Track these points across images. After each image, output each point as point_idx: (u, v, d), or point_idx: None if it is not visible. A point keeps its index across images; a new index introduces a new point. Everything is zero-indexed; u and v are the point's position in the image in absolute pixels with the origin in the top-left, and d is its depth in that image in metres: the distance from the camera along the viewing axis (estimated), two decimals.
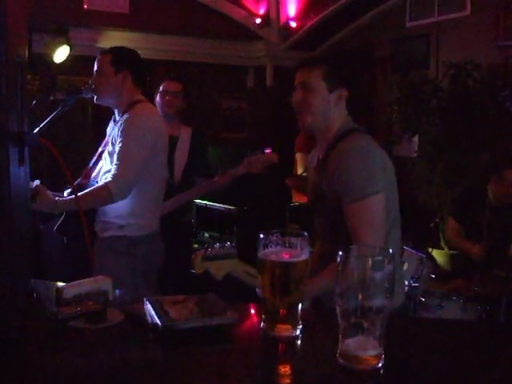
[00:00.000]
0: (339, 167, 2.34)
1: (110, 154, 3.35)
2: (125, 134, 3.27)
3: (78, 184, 3.45)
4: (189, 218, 5.14)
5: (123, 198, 3.26)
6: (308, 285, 2.28)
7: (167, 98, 4.46)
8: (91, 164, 3.56)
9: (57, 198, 3.21)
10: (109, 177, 3.23)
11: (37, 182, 3.15)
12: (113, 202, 3.24)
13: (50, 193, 3.22)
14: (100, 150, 3.54)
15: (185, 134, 4.59)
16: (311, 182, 2.65)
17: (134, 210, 3.37)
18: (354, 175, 2.31)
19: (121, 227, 3.37)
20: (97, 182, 3.41)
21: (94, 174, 3.50)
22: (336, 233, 2.44)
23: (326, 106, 2.45)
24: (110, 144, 3.38)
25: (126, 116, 3.33)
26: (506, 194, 4.58)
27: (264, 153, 4.13)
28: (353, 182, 2.31)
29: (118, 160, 3.24)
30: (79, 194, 3.19)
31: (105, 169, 3.41)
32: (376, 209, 2.31)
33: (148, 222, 3.45)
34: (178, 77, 4.67)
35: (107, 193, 3.20)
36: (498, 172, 4.59)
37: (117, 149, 3.26)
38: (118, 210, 3.34)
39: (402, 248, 4.09)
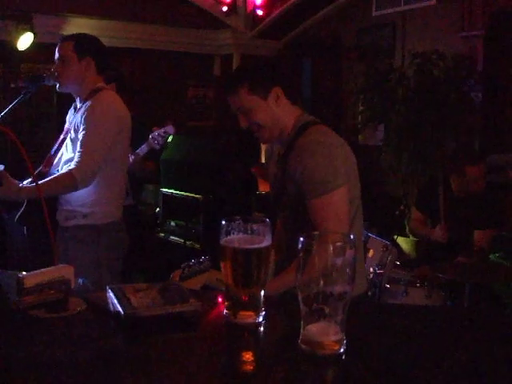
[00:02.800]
0: (300, 163, 2.34)
1: (73, 142, 3.33)
2: (88, 121, 3.24)
3: (40, 172, 3.42)
4: (150, 207, 5.18)
5: (87, 185, 3.23)
6: (274, 282, 2.31)
7: None
8: (52, 152, 3.52)
9: (21, 185, 3.17)
10: (72, 164, 3.20)
11: (1, 167, 3.10)
12: (76, 189, 3.22)
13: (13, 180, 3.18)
14: (61, 137, 3.51)
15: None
16: (272, 176, 2.66)
17: (99, 198, 3.35)
18: (316, 171, 2.31)
19: (85, 216, 3.35)
20: (57, 171, 3.38)
21: (55, 161, 3.47)
22: (298, 224, 2.44)
23: (271, 114, 2.44)
24: (71, 131, 3.35)
25: (88, 103, 3.30)
26: (466, 187, 4.64)
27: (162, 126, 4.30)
28: (315, 177, 2.31)
29: (81, 147, 3.21)
30: (43, 180, 3.16)
31: (66, 157, 3.38)
32: (340, 202, 2.32)
33: (112, 211, 3.44)
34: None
35: (71, 180, 3.18)
36: (458, 168, 4.63)
37: (80, 136, 3.24)
38: (82, 198, 3.31)
39: (367, 235, 4.13)
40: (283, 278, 2.31)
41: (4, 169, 3.11)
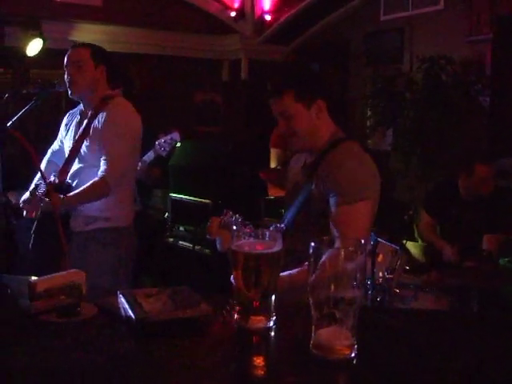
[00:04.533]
0: (333, 171, 2.35)
1: (90, 150, 3.36)
2: (111, 129, 3.32)
3: (55, 183, 3.45)
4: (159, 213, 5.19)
5: (114, 190, 3.31)
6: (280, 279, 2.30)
7: None
8: (66, 161, 3.54)
9: (62, 197, 3.24)
10: (101, 171, 3.27)
11: (53, 178, 3.19)
12: (108, 194, 3.30)
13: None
14: (73, 145, 3.50)
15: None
16: (293, 182, 2.66)
17: (117, 202, 3.42)
18: (349, 179, 2.32)
19: (107, 219, 3.41)
20: (74, 180, 3.42)
21: (70, 171, 3.50)
22: (311, 231, 2.43)
23: (311, 124, 2.44)
24: (88, 141, 3.38)
25: (107, 112, 3.35)
26: (476, 188, 4.63)
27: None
28: (347, 185, 2.31)
29: (107, 155, 3.30)
30: (78, 190, 3.29)
31: (80, 165, 3.42)
32: (364, 214, 2.33)
33: (129, 214, 3.53)
34: None
35: (105, 187, 3.29)
36: (468, 167, 4.62)
37: (104, 144, 3.29)
38: (101, 203, 3.37)
39: (377, 240, 4.12)
40: (291, 277, 2.29)
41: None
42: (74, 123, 3.58)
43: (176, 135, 4.39)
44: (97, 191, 3.31)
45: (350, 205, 2.30)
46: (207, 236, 2.58)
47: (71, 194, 3.28)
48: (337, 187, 2.33)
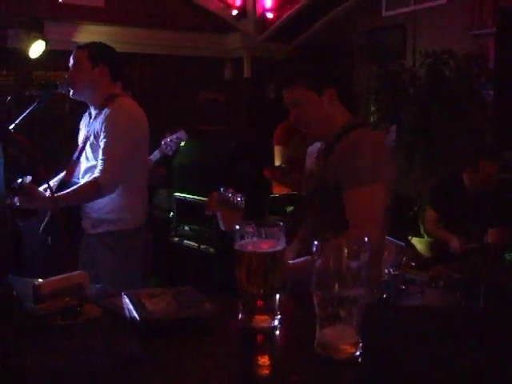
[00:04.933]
0: (345, 155, 2.31)
1: (93, 150, 3.38)
2: (109, 128, 3.30)
3: (62, 181, 3.47)
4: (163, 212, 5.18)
5: (111, 192, 3.30)
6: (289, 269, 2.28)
7: None
8: (73, 160, 3.55)
9: (47, 195, 3.23)
10: (96, 172, 3.25)
11: (28, 179, 3.15)
12: (102, 196, 3.30)
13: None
14: (80, 145, 3.54)
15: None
16: (309, 172, 2.66)
17: (125, 204, 3.42)
18: (362, 161, 2.26)
19: (113, 222, 3.40)
20: (78, 179, 3.44)
21: (76, 170, 3.52)
22: (328, 221, 2.41)
23: (324, 112, 2.42)
24: (91, 139, 3.39)
25: (107, 111, 3.35)
26: (481, 182, 4.62)
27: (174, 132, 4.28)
28: (359, 167, 2.26)
29: (103, 155, 3.28)
30: (69, 189, 3.24)
31: (86, 165, 3.44)
32: (377, 196, 2.27)
33: (138, 216, 3.50)
34: None
35: (97, 187, 3.26)
36: (472, 163, 4.62)
37: (101, 144, 3.29)
38: (108, 206, 3.38)
39: None
40: (299, 265, 2.26)
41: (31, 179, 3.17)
42: (84, 125, 3.60)
43: (182, 134, 4.37)
44: (88, 192, 3.29)
45: (362, 186, 2.24)
46: (206, 212, 2.56)
47: (62, 193, 3.27)
48: (349, 169, 2.28)
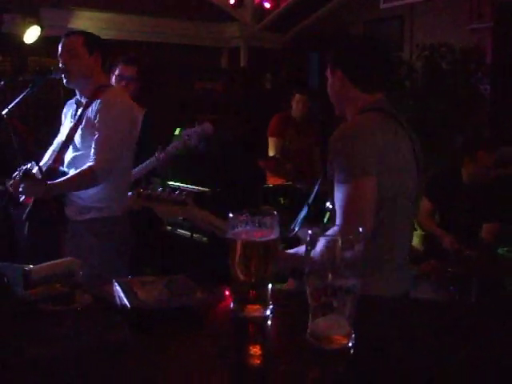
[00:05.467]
0: (331, 147, 2.25)
1: (83, 139, 3.36)
2: (103, 118, 3.29)
3: (49, 169, 3.45)
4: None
5: (105, 180, 3.31)
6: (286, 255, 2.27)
7: (123, 83, 4.41)
8: (60, 148, 3.53)
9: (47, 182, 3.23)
10: (91, 161, 3.24)
11: (34, 165, 3.17)
12: (96, 184, 3.30)
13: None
14: (68, 133, 3.50)
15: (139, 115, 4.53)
16: None
17: (112, 192, 3.42)
18: (345, 154, 2.20)
19: (100, 209, 3.40)
20: (67, 167, 3.42)
21: (65, 158, 3.50)
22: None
23: (337, 93, 2.44)
24: (82, 128, 3.38)
25: (100, 101, 3.33)
26: (478, 174, 4.61)
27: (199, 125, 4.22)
28: (342, 161, 2.20)
29: (98, 144, 3.27)
30: (65, 177, 3.23)
31: (74, 154, 3.41)
32: (364, 194, 2.15)
33: (124, 203, 3.50)
34: (132, 60, 4.59)
35: (92, 176, 3.25)
36: (470, 153, 4.61)
37: (95, 133, 3.27)
38: (96, 194, 3.37)
39: None
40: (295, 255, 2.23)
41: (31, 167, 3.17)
42: (70, 112, 3.58)
43: (208, 127, 4.27)
44: (83, 180, 3.28)
45: (348, 183, 2.16)
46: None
47: (57, 181, 3.26)
48: (335, 163, 2.22)
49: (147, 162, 4.27)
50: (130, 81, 4.44)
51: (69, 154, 3.44)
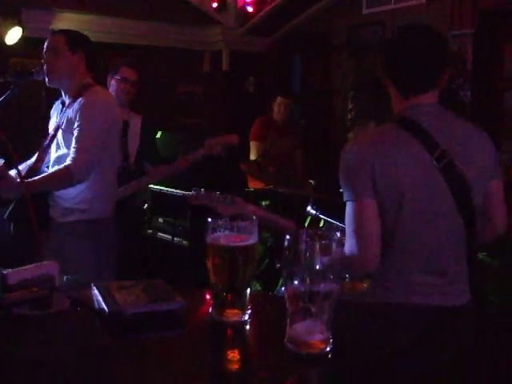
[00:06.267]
0: None
1: (65, 138, 3.34)
2: (83, 117, 3.26)
3: (31, 168, 3.43)
4: (139, 203, 5.14)
5: (83, 181, 3.27)
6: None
7: (124, 85, 4.41)
8: (43, 147, 3.51)
9: (17, 180, 3.18)
10: (68, 160, 3.22)
11: (1, 161, 3.10)
12: (72, 185, 3.25)
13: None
14: (51, 133, 3.50)
15: (135, 121, 4.55)
16: None
17: (95, 195, 3.40)
18: (340, 173, 2.19)
19: (83, 211, 3.38)
20: (48, 167, 3.40)
21: (46, 158, 3.48)
22: None
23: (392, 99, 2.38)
24: (63, 127, 3.36)
25: (81, 100, 3.31)
26: None
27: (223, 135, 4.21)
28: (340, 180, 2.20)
29: (76, 143, 3.24)
30: (40, 176, 3.20)
31: (58, 153, 3.39)
32: (353, 217, 2.12)
33: (109, 205, 3.48)
34: (134, 63, 4.61)
35: (68, 175, 3.21)
36: None
37: (75, 132, 3.25)
38: (78, 196, 3.36)
39: None
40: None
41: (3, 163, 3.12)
42: (56, 113, 3.56)
43: (233, 138, 4.26)
44: (59, 179, 3.24)
45: (349, 202, 2.14)
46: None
47: (32, 179, 3.22)
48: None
49: (162, 168, 4.31)
50: (133, 84, 4.45)
51: (53, 154, 3.43)
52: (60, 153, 3.38)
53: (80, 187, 3.31)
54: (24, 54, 6.81)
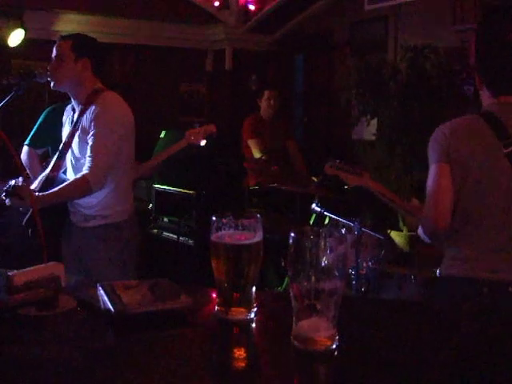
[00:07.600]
0: None
1: (80, 146, 3.34)
2: (96, 126, 3.27)
3: (48, 177, 3.44)
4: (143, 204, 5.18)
5: (100, 188, 3.29)
6: None
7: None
8: (58, 155, 3.52)
9: (36, 194, 3.21)
10: (84, 169, 3.23)
11: (20, 180, 3.14)
12: (91, 193, 3.28)
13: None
14: (66, 140, 3.49)
15: None
16: None
17: (115, 199, 3.43)
18: None
19: (105, 217, 3.41)
20: (64, 174, 3.42)
21: (62, 165, 3.50)
22: None
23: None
24: (78, 135, 3.36)
25: (94, 108, 3.31)
26: None
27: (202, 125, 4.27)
28: None
29: (91, 152, 3.26)
30: (58, 187, 3.22)
31: (74, 161, 3.41)
32: (431, 177, 2.62)
33: (128, 207, 3.53)
34: None
35: (85, 184, 3.23)
36: None
37: (89, 141, 3.26)
38: (101, 203, 3.40)
39: (361, 230, 4.11)
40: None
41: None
42: (68, 119, 3.56)
43: (211, 127, 4.29)
44: (77, 189, 3.28)
45: (430, 165, 2.67)
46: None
47: (48, 192, 3.24)
48: None
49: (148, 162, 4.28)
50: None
51: (68, 161, 3.44)
52: (76, 160, 3.39)
53: (99, 196, 3.33)
54: (26, 56, 6.83)
